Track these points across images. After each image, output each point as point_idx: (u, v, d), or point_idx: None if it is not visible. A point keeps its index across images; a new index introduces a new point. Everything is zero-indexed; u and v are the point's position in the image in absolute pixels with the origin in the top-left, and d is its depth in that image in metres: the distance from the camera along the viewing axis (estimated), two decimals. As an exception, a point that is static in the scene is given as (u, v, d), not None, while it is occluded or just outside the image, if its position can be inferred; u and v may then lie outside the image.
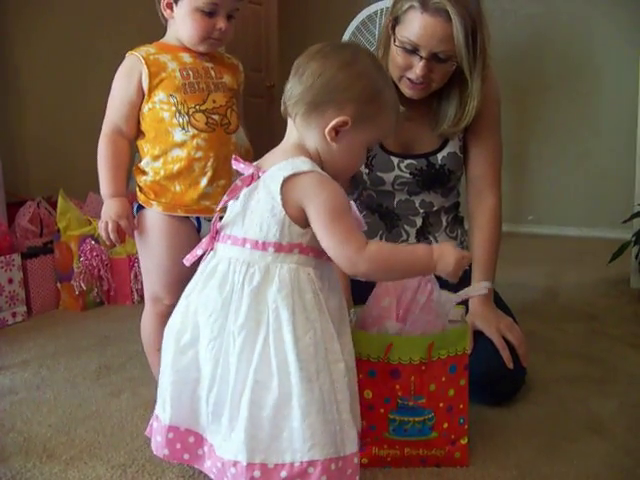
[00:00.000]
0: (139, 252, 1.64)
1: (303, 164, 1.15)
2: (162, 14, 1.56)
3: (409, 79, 1.66)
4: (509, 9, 3.77)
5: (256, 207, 1.17)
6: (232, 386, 1.14)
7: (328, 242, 1.13)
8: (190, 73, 1.52)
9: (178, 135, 1.50)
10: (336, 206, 1.13)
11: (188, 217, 1.56)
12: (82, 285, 2.57)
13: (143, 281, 1.66)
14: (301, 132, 1.22)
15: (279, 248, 1.15)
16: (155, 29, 1.64)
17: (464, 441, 1.41)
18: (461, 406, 1.40)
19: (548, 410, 1.68)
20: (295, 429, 1.11)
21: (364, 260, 1.12)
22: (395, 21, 1.66)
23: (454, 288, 1.52)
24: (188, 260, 1.27)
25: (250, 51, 4.45)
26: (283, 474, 1.11)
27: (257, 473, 1.12)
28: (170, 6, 1.53)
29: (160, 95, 1.50)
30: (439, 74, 1.65)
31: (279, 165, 1.16)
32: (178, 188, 1.52)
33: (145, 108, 1.52)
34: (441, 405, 1.37)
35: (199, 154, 1.51)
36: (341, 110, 1.17)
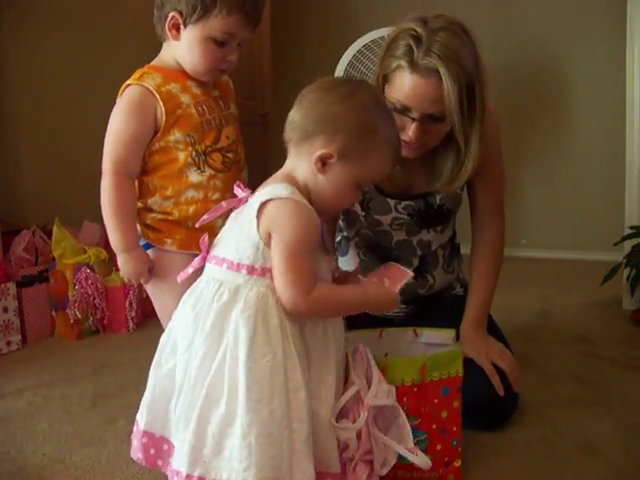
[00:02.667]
0: (152, 293, 1.51)
1: (283, 190, 1.16)
2: (163, 33, 1.43)
3: (404, 140, 1.52)
4: (501, 35, 3.83)
5: (237, 230, 1.20)
6: (189, 398, 1.16)
7: (278, 277, 1.15)
8: (205, 109, 1.42)
9: (194, 176, 1.40)
10: (297, 242, 1.13)
11: None
12: (77, 313, 2.58)
13: (162, 321, 1.48)
14: (293, 160, 1.23)
15: (251, 271, 1.16)
16: (156, 56, 1.54)
17: (457, 463, 1.42)
18: (454, 428, 1.41)
19: (541, 432, 1.69)
20: (235, 447, 1.10)
21: (306, 304, 1.15)
22: (384, 79, 1.56)
23: (447, 321, 1.56)
24: (180, 277, 1.28)
25: (243, 79, 4.48)
26: (144, 440, 1.13)
27: (144, 440, 1.14)
28: (177, 27, 1.39)
29: (176, 135, 1.39)
30: (433, 134, 1.56)
31: (263, 190, 1.19)
32: (191, 225, 1.40)
33: (156, 145, 1.40)
34: (434, 427, 1.38)
35: (216, 196, 1.41)
36: (330, 142, 1.18)
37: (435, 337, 1.48)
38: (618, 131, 3.11)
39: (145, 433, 1.25)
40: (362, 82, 1.31)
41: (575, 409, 1.82)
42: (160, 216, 1.44)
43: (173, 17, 1.38)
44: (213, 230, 1.30)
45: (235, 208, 1.25)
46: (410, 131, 1.52)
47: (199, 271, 1.27)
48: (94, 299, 2.63)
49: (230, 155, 1.45)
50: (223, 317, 1.15)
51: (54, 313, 2.64)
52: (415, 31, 1.47)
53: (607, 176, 3.74)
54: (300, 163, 1.22)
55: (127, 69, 1.47)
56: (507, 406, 1.71)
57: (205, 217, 1.24)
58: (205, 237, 1.23)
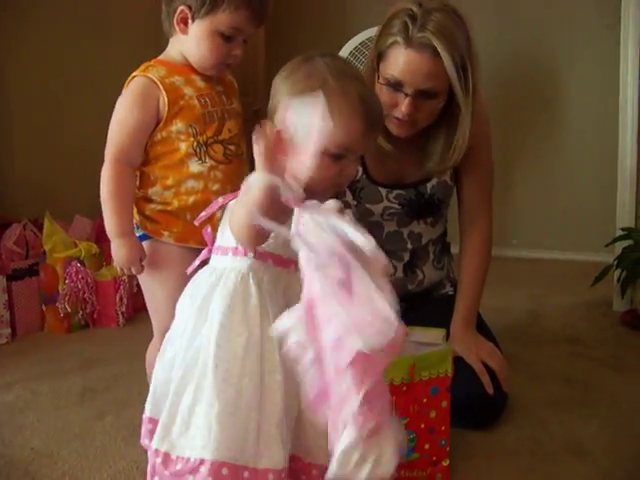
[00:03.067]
0: (145, 284, 1.53)
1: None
2: (171, 29, 1.45)
3: (396, 117, 1.58)
4: (494, 35, 3.84)
5: (227, 216, 1.19)
6: (174, 377, 1.15)
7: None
8: (207, 101, 1.44)
9: (194, 166, 1.42)
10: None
11: (199, 248, 1.41)
12: (67, 307, 2.57)
13: (151, 315, 1.53)
14: None
15: (235, 252, 1.15)
16: (149, 52, 1.56)
17: (446, 463, 1.42)
18: (443, 428, 1.42)
19: (529, 432, 1.69)
20: (199, 426, 1.09)
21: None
22: (379, 57, 1.60)
23: (437, 319, 1.56)
24: (188, 270, 1.26)
25: (237, 75, 4.48)
26: (178, 466, 1.11)
27: (159, 460, 1.12)
28: (185, 21, 1.41)
29: (178, 125, 1.41)
30: (425, 112, 1.59)
31: None
32: (189, 217, 1.42)
33: (158, 135, 1.42)
34: (422, 426, 1.39)
35: (216, 187, 1.43)
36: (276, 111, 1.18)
37: (425, 336, 1.47)
38: (611, 132, 3.12)
39: (150, 419, 1.24)
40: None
41: (563, 409, 1.83)
42: (159, 207, 1.45)
43: (182, 11, 1.40)
44: (212, 223, 1.29)
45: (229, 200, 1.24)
46: (403, 107, 1.55)
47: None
48: (84, 293, 2.62)
49: (232, 147, 1.46)
50: (208, 299, 1.14)
51: (44, 307, 2.63)
52: (411, 10, 1.52)
53: (599, 177, 3.75)
54: None
55: (121, 65, 1.50)
56: (496, 405, 1.71)
57: (202, 214, 1.24)
58: (208, 228, 1.22)
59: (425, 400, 1.38)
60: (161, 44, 1.53)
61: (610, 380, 2.05)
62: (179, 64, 1.46)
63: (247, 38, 1.44)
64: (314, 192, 1.09)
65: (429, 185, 1.79)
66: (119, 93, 1.48)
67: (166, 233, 1.46)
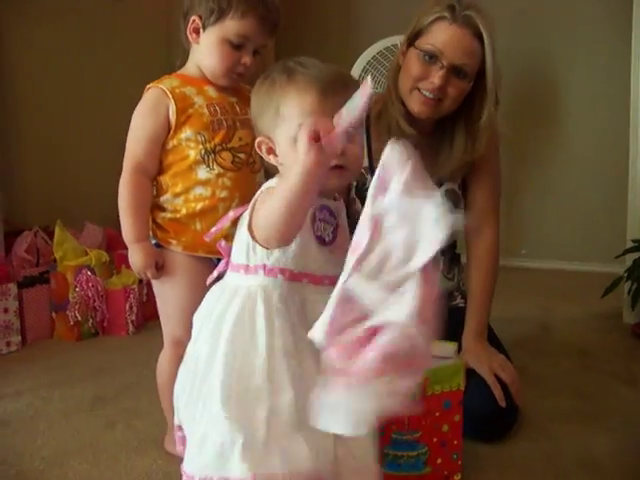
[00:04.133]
0: (156, 292, 1.56)
1: (272, 181, 1.15)
2: (186, 39, 1.50)
3: (422, 93, 1.65)
4: (502, 48, 3.84)
5: (238, 231, 1.19)
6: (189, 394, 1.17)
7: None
8: (217, 109, 1.46)
9: (202, 173, 1.44)
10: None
11: (209, 257, 1.48)
12: (77, 315, 2.57)
13: (162, 323, 1.56)
14: None
15: (246, 270, 1.15)
16: (159, 64, 1.60)
17: (457, 477, 1.42)
18: (455, 442, 1.41)
19: (541, 447, 1.68)
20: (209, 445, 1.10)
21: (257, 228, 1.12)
22: (416, 36, 1.67)
23: (449, 333, 1.55)
24: (208, 280, 1.26)
25: (246, 82, 4.49)
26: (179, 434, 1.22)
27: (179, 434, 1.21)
28: (197, 31, 1.46)
29: (187, 132, 1.44)
30: (455, 90, 1.64)
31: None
32: (199, 227, 1.45)
33: (169, 144, 1.46)
34: (435, 440, 1.38)
35: (224, 194, 1.45)
36: (259, 134, 1.19)
37: (437, 350, 1.46)
38: (621, 142, 3.11)
39: (179, 427, 1.24)
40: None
41: (575, 423, 1.82)
42: (169, 215, 1.48)
43: (194, 21, 1.45)
44: (221, 234, 1.30)
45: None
46: (436, 78, 1.62)
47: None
48: (94, 301, 2.63)
49: (241, 156, 1.47)
50: (221, 318, 1.13)
51: (54, 314, 2.63)
52: (450, 2, 1.63)
53: (609, 187, 3.74)
54: None
55: (131, 76, 1.54)
56: (508, 418, 1.71)
57: (213, 229, 1.25)
58: (222, 242, 1.23)
59: (437, 414, 1.38)
60: (172, 58, 1.58)
61: (622, 393, 2.04)
62: (194, 76, 1.50)
63: (258, 48, 1.47)
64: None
65: (438, 192, 1.79)
66: (129, 103, 1.53)
67: (174, 242, 1.48)
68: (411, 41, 1.69)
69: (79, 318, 2.58)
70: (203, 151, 1.44)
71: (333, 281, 1.06)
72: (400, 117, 1.71)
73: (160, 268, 1.48)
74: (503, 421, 1.70)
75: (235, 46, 1.43)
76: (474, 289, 1.80)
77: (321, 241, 1.14)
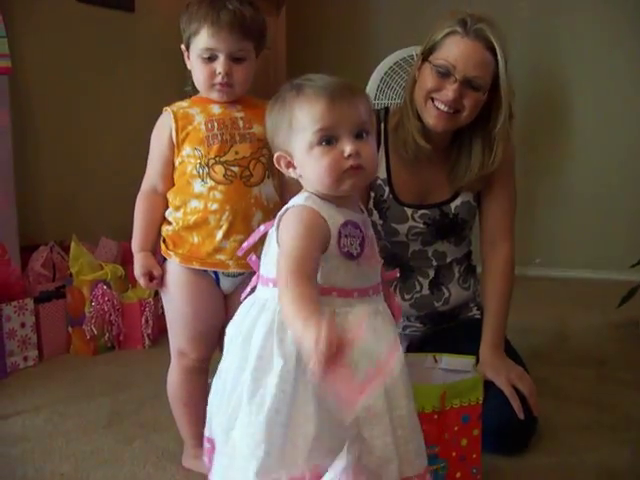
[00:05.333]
0: (164, 304, 1.62)
1: (300, 198, 1.15)
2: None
3: (436, 107, 1.67)
4: (517, 58, 3.84)
5: (267, 245, 1.19)
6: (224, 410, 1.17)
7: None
8: (215, 124, 1.50)
9: (197, 186, 1.49)
10: (292, 246, 1.09)
11: (205, 270, 1.53)
12: (93, 330, 2.59)
13: (169, 335, 1.61)
14: None
15: (275, 282, 1.14)
16: (174, 80, 1.63)
17: (477, 491, 1.41)
18: (474, 456, 1.41)
19: (560, 459, 1.67)
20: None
21: (280, 294, 1.09)
22: (429, 51, 1.69)
23: (469, 346, 1.55)
24: (242, 296, 1.26)
25: (258, 95, 4.51)
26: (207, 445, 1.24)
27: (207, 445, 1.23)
28: (188, 56, 1.54)
29: (187, 149, 1.50)
30: (470, 101, 1.66)
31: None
32: (196, 240, 1.50)
33: (176, 162, 1.52)
34: (454, 454, 1.38)
35: (215, 206, 1.48)
36: (275, 146, 1.19)
37: (455, 363, 1.47)
38: (635, 150, 3.11)
39: (208, 439, 1.25)
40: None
41: (594, 434, 1.81)
42: (170, 228, 1.54)
43: (184, 49, 1.54)
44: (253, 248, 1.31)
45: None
46: (450, 91, 1.63)
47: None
48: (110, 315, 2.64)
49: (234, 169, 1.49)
50: (251, 331, 1.14)
51: (70, 329, 2.65)
52: (462, 16, 1.65)
53: (623, 196, 3.73)
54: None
55: (146, 92, 1.59)
56: (526, 430, 1.70)
57: (245, 244, 1.26)
58: (253, 256, 1.25)
59: (456, 428, 1.37)
60: (186, 72, 1.59)
61: (641, 404, 2.03)
62: (205, 98, 1.55)
63: (237, 55, 1.48)
64: (337, 190, 1.12)
65: (453, 205, 1.83)
66: (145, 118, 1.61)
67: (172, 254, 1.53)
68: (425, 56, 1.70)
69: (95, 332, 2.60)
70: (198, 165, 1.49)
71: (362, 293, 1.12)
72: (416, 132, 1.72)
73: (156, 279, 1.54)
74: (522, 433, 1.69)
75: (207, 59, 1.48)
76: (490, 302, 1.80)
77: (349, 256, 1.13)
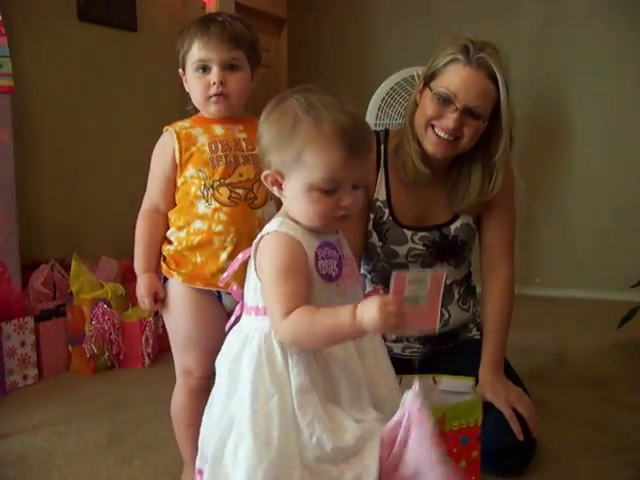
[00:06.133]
0: (166, 324, 1.61)
1: (274, 224, 1.15)
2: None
3: (436, 134, 1.66)
4: (515, 75, 3.86)
5: (247, 273, 1.20)
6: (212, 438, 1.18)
7: (266, 306, 1.13)
8: (219, 146, 1.50)
9: (201, 207, 1.49)
10: (274, 270, 1.10)
11: (209, 289, 1.52)
12: (93, 348, 2.59)
13: (173, 354, 1.60)
14: None
15: (257, 311, 1.15)
16: (172, 101, 1.64)
17: (477, 514, 1.40)
18: (473, 478, 1.41)
19: (561, 481, 1.67)
20: None
21: (284, 327, 1.08)
22: (431, 77, 1.68)
23: (468, 367, 1.55)
24: (226, 326, 1.27)
25: (259, 113, 4.53)
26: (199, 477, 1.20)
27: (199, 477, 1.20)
28: (186, 78, 1.55)
29: (190, 170, 1.50)
30: (470, 129, 1.65)
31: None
32: (199, 260, 1.50)
33: (179, 182, 1.52)
34: (453, 477, 1.37)
35: (219, 228, 1.48)
36: (268, 164, 1.15)
37: (454, 385, 1.47)
38: (634, 170, 3.12)
39: (199, 470, 1.24)
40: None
41: (595, 457, 1.80)
42: (173, 248, 1.53)
43: (182, 72, 1.55)
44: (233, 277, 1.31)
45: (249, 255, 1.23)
46: (450, 120, 1.63)
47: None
48: (110, 334, 2.64)
49: (239, 191, 1.50)
50: (238, 360, 1.14)
51: (70, 347, 2.65)
52: (467, 40, 1.64)
53: (623, 216, 3.74)
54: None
55: (144, 112, 1.59)
56: (526, 452, 1.69)
57: (225, 275, 1.28)
58: (234, 286, 1.24)
59: (455, 450, 1.37)
60: (184, 93, 1.59)
61: (641, 426, 2.02)
62: (205, 116, 1.55)
63: (230, 64, 1.49)
64: (319, 228, 1.14)
65: (452, 227, 1.83)
66: (144, 138, 1.61)
67: (175, 273, 1.52)
68: (427, 81, 1.70)
69: (95, 351, 2.60)
70: (202, 187, 1.49)
71: None
72: (415, 156, 1.73)
73: (161, 300, 1.54)
74: (521, 455, 1.69)
75: (202, 72, 1.49)
76: (490, 323, 1.80)
77: (328, 278, 1.14)
